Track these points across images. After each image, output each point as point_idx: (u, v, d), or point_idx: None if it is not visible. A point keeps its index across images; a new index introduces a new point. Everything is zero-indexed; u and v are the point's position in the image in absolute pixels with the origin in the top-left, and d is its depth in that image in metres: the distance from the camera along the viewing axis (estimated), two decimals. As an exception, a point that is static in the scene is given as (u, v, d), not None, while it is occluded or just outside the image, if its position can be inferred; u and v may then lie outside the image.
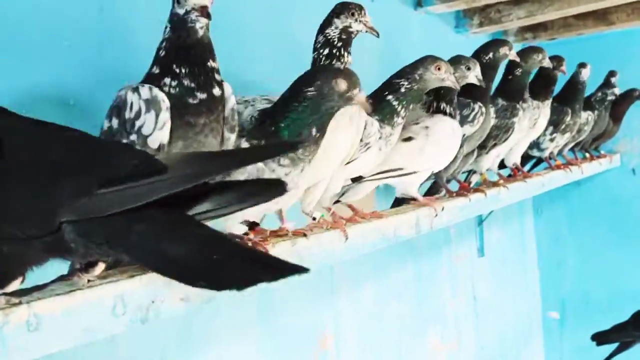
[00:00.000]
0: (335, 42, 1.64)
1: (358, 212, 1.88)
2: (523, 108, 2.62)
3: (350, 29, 1.66)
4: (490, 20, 3.60)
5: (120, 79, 1.37)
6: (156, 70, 1.26)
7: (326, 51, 1.65)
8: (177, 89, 1.22)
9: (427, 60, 1.86)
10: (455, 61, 2.11)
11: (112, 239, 0.87)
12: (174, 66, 1.23)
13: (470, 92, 2.19)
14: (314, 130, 1.43)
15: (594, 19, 3.81)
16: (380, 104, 1.81)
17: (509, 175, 2.89)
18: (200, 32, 1.25)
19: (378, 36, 1.70)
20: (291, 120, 1.42)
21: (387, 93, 1.84)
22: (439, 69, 1.86)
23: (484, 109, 2.27)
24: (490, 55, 2.36)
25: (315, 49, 1.68)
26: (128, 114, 1.23)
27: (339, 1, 1.68)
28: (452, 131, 2.05)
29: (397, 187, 2.16)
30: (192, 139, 1.24)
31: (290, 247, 1.48)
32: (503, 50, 2.38)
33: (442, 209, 2.11)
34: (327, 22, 1.66)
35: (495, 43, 2.41)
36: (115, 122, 1.26)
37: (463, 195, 2.31)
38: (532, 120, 2.70)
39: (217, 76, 1.28)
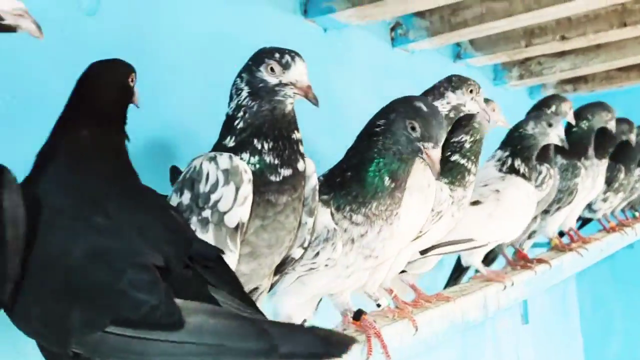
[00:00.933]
0: None
1: (421, 295, 1.64)
2: (585, 166, 2.38)
3: (464, 108, 1.49)
4: (530, 72, 3.41)
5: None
6: (231, 142, 1.12)
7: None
8: (258, 166, 1.09)
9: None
10: (537, 115, 1.90)
11: None
12: (255, 141, 1.10)
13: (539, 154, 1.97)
14: (386, 180, 1.23)
15: (638, 70, 3.61)
16: (447, 166, 1.59)
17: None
18: (289, 108, 1.12)
19: (489, 120, 1.55)
20: (362, 167, 1.23)
21: (450, 154, 1.63)
22: (493, 110, 1.66)
23: (552, 171, 2.05)
24: (553, 109, 2.14)
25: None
26: (203, 187, 1.07)
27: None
28: (527, 197, 1.81)
29: (462, 256, 1.92)
30: (271, 218, 1.10)
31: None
32: (565, 107, 2.17)
33: (512, 283, 1.87)
34: (437, 94, 1.48)
35: (558, 98, 2.21)
36: (186, 197, 1.09)
37: (527, 267, 2.06)
38: (594, 179, 2.46)
39: (301, 148, 1.13)
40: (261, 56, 1.11)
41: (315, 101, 1.11)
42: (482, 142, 1.68)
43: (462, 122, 1.66)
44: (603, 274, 4.12)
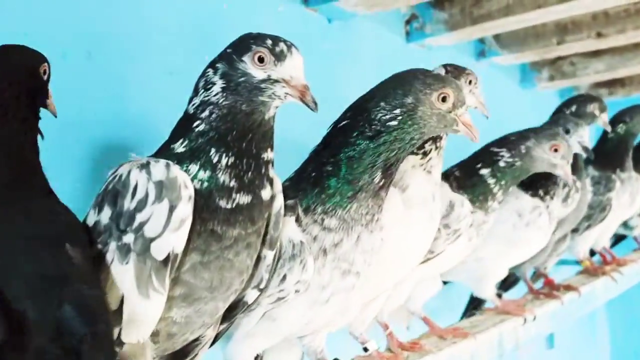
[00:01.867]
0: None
1: (434, 329, 1.41)
2: (621, 179, 2.09)
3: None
4: (562, 74, 3.11)
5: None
6: (181, 147, 0.88)
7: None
8: (207, 184, 0.85)
9: (542, 134, 1.40)
10: (552, 121, 1.62)
11: None
12: (213, 151, 0.86)
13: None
14: (378, 175, 0.98)
15: (681, 73, 3.28)
16: (470, 179, 1.36)
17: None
18: (271, 113, 0.90)
19: (488, 116, 1.34)
20: (342, 158, 0.99)
21: (480, 165, 1.38)
22: (555, 150, 1.39)
23: (579, 184, 1.77)
24: (573, 109, 1.86)
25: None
26: (127, 203, 0.83)
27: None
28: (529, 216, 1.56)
29: (471, 286, 1.65)
30: (215, 254, 0.86)
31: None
32: (591, 107, 1.87)
33: (534, 318, 1.59)
34: None
35: (582, 98, 1.92)
36: (105, 215, 0.84)
37: (552, 296, 1.78)
38: (632, 194, 2.16)
39: (270, 171, 0.91)
40: (247, 42, 0.88)
41: (313, 105, 0.89)
42: (524, 173, 1.41)
43: (512, 137, 1.42)
44: (637, 296, 3.79)
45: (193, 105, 0.89)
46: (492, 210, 1.37)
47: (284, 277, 0.97)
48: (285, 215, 0.97)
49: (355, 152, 0.98)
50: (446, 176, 1.38)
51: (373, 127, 0.99)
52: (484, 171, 1.37)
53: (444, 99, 1.00)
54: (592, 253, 2.36)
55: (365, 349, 1.21)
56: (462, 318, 1.79)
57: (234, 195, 0.85)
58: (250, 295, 0.98)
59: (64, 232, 0.81)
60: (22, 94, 0.86)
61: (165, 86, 1.50)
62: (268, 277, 0.97)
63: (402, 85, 1.00)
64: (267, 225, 0.94)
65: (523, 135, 1.41)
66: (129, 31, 1.44)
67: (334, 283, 1.00)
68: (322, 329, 1.11)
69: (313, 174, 1.01)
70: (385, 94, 1.01)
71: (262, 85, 0.86)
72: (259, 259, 0.95)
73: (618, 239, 2.90)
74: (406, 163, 1.17)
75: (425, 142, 1.20)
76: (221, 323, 1.00)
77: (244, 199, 0.86)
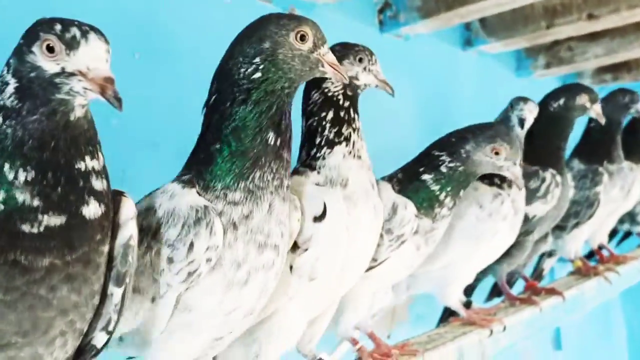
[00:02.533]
0: (342, 101, 1.13)
1: (381, 346, 1.27)
2: (609, 172, 1.93)
3: (358, 82, 1.16)
4: (559, 60, 2.93)
5: None
6: None
7: (330, 114, 1.12)
8: (3, 207, 0.71)
9: (481, 136, 1.26)
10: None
11: None
12: (7, 166, 0.72)
13: (537, 155, 1.54)
14: (271, 136, 0.91)
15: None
16: (412, 183, 1.24)
17: (587, 256, 2.19)
18: (79, 113, 0.75)
19: (393, 94, 1.19)
20: (224, 130, 0.91)
21: (422, 169, 1.26)
22: (497, 153, 1.26)
23: (558, 178, 1.61)
24: (561, 102, 1.70)
25: (309, 113, 1.14)
26: None
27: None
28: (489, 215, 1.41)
29: (436, 295, 1.51)
30: (20, 290, 0.71)
31: None
32: (580, 100, 1.71)
33: (504, 328, 1.45)
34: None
35: (568, 89, 1.75)
36: None
37: (531, 302, 1.63)
38: (624, 188, 1.99)
39: (95, 184, 0.76)
40: (35, 31, 0.73)
41: (117, 103, 0.72)
42: (469, 179, 1.28)
43: (452, 139, 1.29)
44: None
45: None
46: (441, 217, 1.25)
47: (191, 244, 0.86)
48: (184, 188, 0.90)
49: (236, 121, 0.91)
50: (389, 179, 1.27)
51: (242, 87, 0.91)
52: (427, 176, 1.25)
53: (302, 38, 0.92)
54: (591, 254, 2.20)
55: None
56: (437, 327, 1.65)
57: (40, 216, 0.71)
58: (99, 338, 0.85)
59: None
60: None
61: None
62: (117, 319, 0.84)
63: (256, 32, 0.92)
64: (113, 258, 0.80)
65: (462, 137, 1.27)
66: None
67: (250, 259, 0.90)
68: (244, 322, 0.97)
69: (202, 155, 0.92)
70: (241, 48, 0.92)
71: (56, 80, 0.72)
72: (104, 296, 0.81)
73: (625, 236, 2.72)
74: (335, 155, 1.10)
75: (341, 126, 1.11)
76: None
77: (54, 220, 0.72)
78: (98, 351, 0.86)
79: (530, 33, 2.50)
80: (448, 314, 1.65)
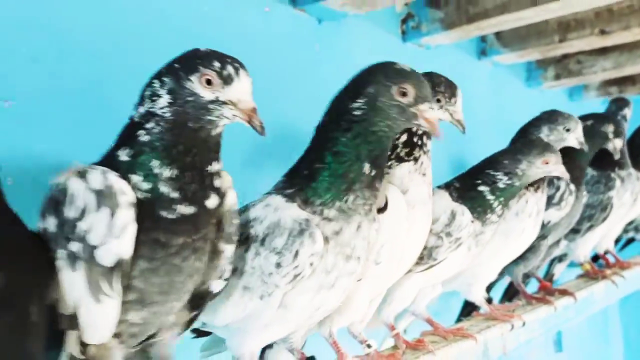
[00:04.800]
0: (415, 129, 1.26)
1: (439, 329, 1.43)
2: (621, 177, 2.04)
3: (427, 115, 1.25)
4: (568, 72, 3.04)
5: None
6: (125, 156, 0.89)
7: (404, 137, 1.27)
8: (150, 195, 0.87)
9: (532, 153, 1.44)
10: (552, 120, 1.60)
11: None
12: (157, 164, 0.87)
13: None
14: (366, 167, 1.02)
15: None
16: (469, 192, 1.40)
17: (593, 260, 2.30)
18: (218, 131, 0.93)
19: (464, 132, 1.35)
20: (328, 153, 1.03)
21: (480, 182, 1.42)
22: (546, 163, 1.44)
23: (572, 187, 1.72)
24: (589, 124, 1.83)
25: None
26: (68, 212, 0.84)
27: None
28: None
29: (462, 291, 1.62)
30: (161, 260, 0.89)
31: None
32: (605, 128, 1.85)
33: (524, 323, 1.55)
34: None
35: (596, 118, 1.89)
36: (51, 223, 0.86)
37: (546, 301, 1.74)
38: (634, 193, 2.10)
39: (216, 182, 0.93)
40: (194, 63, 0.89)
41: (260, 129, 0.91)
42: (521, 189, 1.46)
43: (505, 161, 1.45)
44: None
45: (138, 114, 0.90)
46: (490, 222, 1.40)
47: (297, 252, 0.99)
48: (287, 202, 1.03)
49: (339, 147, 1.02)
50: (447, 187, 1.41)
51: (347, 119, 1.02)
52: (483, 188, 1.40)
53: (403, 93, 1.02)
54: (596, 258, 2.30)
55: (369, 346, 1.22)
56: (457, 321, 1.76)
57: (175, 206, 0.87)
58: (215, 285, 1.02)
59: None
60: None
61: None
62: (230, 269, 1.01)
63: (367, 76, 1.04)
64: (222, 223, 0.97)
65: (515, 159, 1.44)
66: (106, 32, 1.43)
67: (338, 267, 1.04)
68: (329, 318, 1.17)
69: (305, 172, 1.04)
70: (353, 85, 1.05)
71: (210, 106, 0.88)
72: (218, 253, 0.98)
73: (627, 242, 2.84)
74: (402, 169, 1.24)
75: (412, 149, 1.25)
76: (193, 310, 1.03)
77: (186, 210, 0.88)
78: (215, 295, 1.03)
79: (544, 46, 2.61)
80: (469, 310, 1.75)
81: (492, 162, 1.46)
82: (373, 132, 1.02)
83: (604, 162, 2.02)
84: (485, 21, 2.20)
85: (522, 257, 1.62)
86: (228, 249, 0.99)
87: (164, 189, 0.86)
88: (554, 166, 1.45)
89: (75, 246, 0.83)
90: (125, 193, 0.83)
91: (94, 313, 0.86)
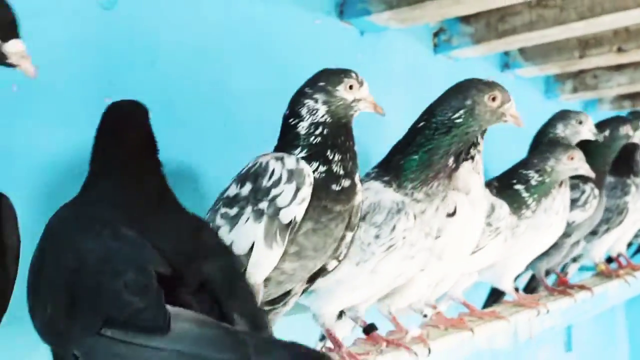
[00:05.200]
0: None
1: (475, 311, 1.64)
2: (636, 184, 2.22)
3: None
4: (585, 86, 3.22)
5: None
6: (302, 154, 1.18)
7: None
8: (325, 175, 1.16)
9: (557, 150, 1.65)
10: (564, 116, 1.79)
11: None
12: (329, 152, 1.17)
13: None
14: (451, 160, 1.28)
15: (703, 87, 3.36)
16: (507, 191, 1.63)
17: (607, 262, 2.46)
18: (352, 121, 1.23)
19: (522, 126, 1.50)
20: (421, 147, 1.28)
21: (515, 181, 1.65)
22: (572, 159, 1.65)
23: (596, 192, 1.90)
24: (607, 133, 1.99)
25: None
26: (265, 182, 1.13)
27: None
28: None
29: (493, 280, 1.80)
30: (323, 223, 1.16)
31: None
32: (624, 129, 2.01)
33: (547, 311, 1.73)
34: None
35: (615, 120, 2.05)
36: (246, 189, 1.14)
37: (567, 293, 1.91)
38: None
39: (357, 161, 1.22)
40: (338, 77, 1.21)
41: (383, 112, 1.24)
42: (552, 185, 1.67)
43: (534, 160, 1.68)
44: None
45: (303, 127, 1.19)
46: (525, 217, 1.61)
47: (394, 227, 1.24)
48: (385, 187, 1.29)
49: (433, 144, 1.27)
50: (488, 185, 1.62)
51: (445, 124, 1.28)
52: (519, 187, 1.63)
53: (493, 99, 1.29)
54: (609, 260, 2.47)
55: (425, 315, 1.46)
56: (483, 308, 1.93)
57: (341, 180, 1.15)
58: (331, 264, 1.25)
59: (199, 222, 1.08)
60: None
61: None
62: (345, 253, 1.26)
63: (462, 92, 1.30)
64: (350, 214, 1.20)
65: (544, 157, 1.66)
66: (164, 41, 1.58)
67: (419, 242, 1.29)
68: (388, 298, 1.40)
69: (401, 162, 1.29)
70: (448, 99, 1.30)
71: (353, 104, 1.20)
72: (342, 237, 1.21)
73: (639, 248, 3.02)
74: (464, 169, 1.46)
75: (469, 148, 1.46)
76: (307, 282, 1.27)
77: (346, 183, 1.16)
78: (328, 271, 1.27)
79: (564, 61, 2.79)
80: (494, 298, 1.93)
81: (524, 163, 1.67)
82: (467, 133, 1.28)
83: (621, 169, 2.19)
84: (512, 37, 2.38)
85: (545, 253, 1.80)
86: (348, 235, 1.23)
87: (336, 168, 1.15)
88: (579, 162, 1.65)
89: (263, 205, 1.10)
90: (309, 176, 1.12)
91: (263, 256, 1.11)
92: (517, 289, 1.80)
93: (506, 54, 2.91)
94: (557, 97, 3.31)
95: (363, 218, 1.25)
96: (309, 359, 0.76)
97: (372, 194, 1.27)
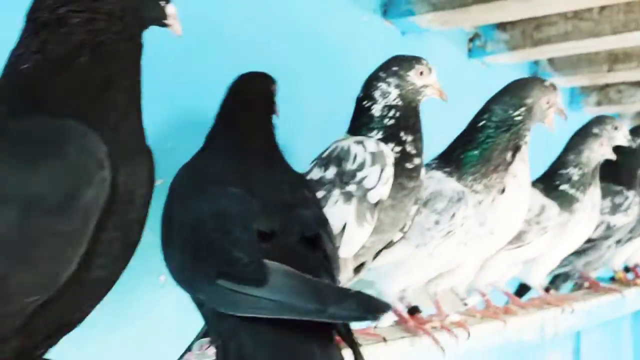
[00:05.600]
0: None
1: (515, 300, 1.74)
2: None
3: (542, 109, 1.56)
4: (609, 100, 3.29)
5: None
6: (378, 135, 1.27)
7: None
8: (399, 155, 1.24)
9: (589, 141, 1.79)
10: (600, 122, 1.88)
11: (221, 335, 0.88)
12: (402, 133, 1.26)
13: (619, 178, 1.91)
14: (509, 155, 1.38)
15: None
16: (554, 192, 1.74)
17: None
18: (420, 104, 1.32)
19: (566, 118, 1.61)
20: (481, 144, 1.39)
21: (559, 182, 1.76)
22: (602, 145, 1.78)
23: (637, 199, 1.99)
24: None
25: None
26: (350, 165, 1.21)
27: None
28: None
29: (523, 275, 1.87)
30: (398, 199, 1.24)
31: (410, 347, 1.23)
32: None
33: (572, 310, 1.80)
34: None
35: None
36: (331, 172, 1.22)
37: (613, 290, 2.01)
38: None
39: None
40: (410, 63, 1.32)
41: (447, 98, 1.35)
42: (590, 174, 1.78)
43: (570, 156, 1.80)
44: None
45: (377, 109, 1.29)
46: (576, 210, 1.71)
47: (454, 214, 1.34)
48: (447, 176, 1.40)
49: (493, 139, 1.40)
50: (534, 186, 1.69)
51: (506, 122, 1.40)
52: (565, 187, 1.75)
53: (548, 101, 1.44)
54: (627, 269, 2.54)
55: (465, 304, 1.53)
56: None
57: (414, 159, 1.25)
58: (397, 236, 1.33)
59: (302, 181, 1.14)
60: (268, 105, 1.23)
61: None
62: (410, 225, 1.34)
63: (523, 91, 1.43)
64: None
65: (578, 150, 1.79)
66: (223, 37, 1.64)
67: (473, 230, 1.39)
68: (436, 279, 1.48)
69: (462, 156, 1.41)
70: (509, 97, 1.43)
71: (422, 89, 1.30)
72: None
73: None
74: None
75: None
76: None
77: (417, 161, 1.26)
78: (394, 243, 1.34)
79: (593, 73, 2.86)
80: (521, 294, 2.01)
81: (560, 163, 1.78)
82: (525, 129, 1.39)
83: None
84: (546, 46, 2.45)
85: (582, 252, 1.89)
86: (413, 209, 1.32)
87: (409, 148, 1.25)
88: (607, 148, 1.79)
89: (351, 187, 1.18)
90: (390, 156, 1.21)
91: (355, 234, 1.19)
92: (547, 289, 1.87)
93: (536, 63, 2.97)
94: (580, 109, 3.37)
95: (424, 204, 1.34)
96: (371, 307, 0.82)
97: (434, 182, 1.36)
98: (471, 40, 2.61)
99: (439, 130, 1.61)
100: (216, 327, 0.90)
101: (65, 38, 0.73)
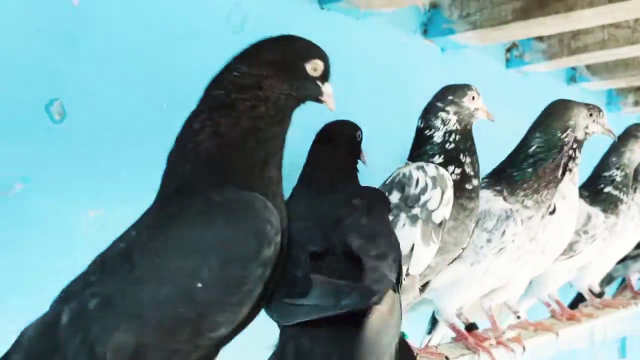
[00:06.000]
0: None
1: (565, 310, 1.80)
2: None
3: (587, 131, 1.65)
4: (646, 100, 3.31)
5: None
6: (439, 159, 1.35)
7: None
8: (460, 176, 1.32)
9: (629, 144, 1.85)
10: (638, 130, 1.96)
11: (285, 344, 0.98)
12: (461, 156, 1.35)
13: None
14: (559, 172, 1.46)
15: None
16: (599, 196, 1.80)
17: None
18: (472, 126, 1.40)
19: (615, 138, 1.72)
20: (534, 163, 1.45)
21: (603, 186, 1.81)
22: None
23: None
24: None
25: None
26: (413, 190, 1.27)
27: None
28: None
29: (575, 280, 1.94)
30: (460, 220, 1.31)
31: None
32: None
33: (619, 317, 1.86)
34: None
35: None
36: (395, 197, 1.29)
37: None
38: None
39: None
40: (463, 90, 1.41)
41: (494, 119, 1.44)
42: (632, 175, 1.85)
43: (613, 159, 1.86)
44: None
45: (438, 136, 1.37)
46: (622, 212, 1.77)
47: (504, 232, 1.41)
48: (495, 195, 1.46)
49: (542, 161, 1.46)
50: (579, 194, 1.75)
51: (550, 144, 1.48)
52: (609, 189, 1.80)
53: (590, 115, 1.55)
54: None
55: (518, 317, 1.61)
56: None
57: (472, 180, 1.32)
58: (457, 252, 1.39)
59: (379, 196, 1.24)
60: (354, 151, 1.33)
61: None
62: (468, 241, 1.40)
63: (565, 114, 1.50)
64: None
65: (618, 153, 1.85)
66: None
67: (525, 245, 1.45)
68: (491, 295, 1.56)
69: (514, 174, 1.47)
70: (553, 120, 1.50)
71: (474, 112, 1.39)
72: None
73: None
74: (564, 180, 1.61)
75: (568, 161, 1.63)
76: None
77: (475, 182, 1.33)
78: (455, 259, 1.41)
79: (629, 77, 2.89)
80: (577, 301, 2.07)
81: (603, 166, 1.85)
82: (569, 148, 1.47)
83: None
84: (584, 54, 2.50)
85: (634, 259, 1.95)
86: (471, 226, 1.37)
87: (468, 170, 1.32)
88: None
89: (416, 210, 1.25)
90: (449, 179, 1.28)
91: (422, 253, 1.26)
92: (601, 294, 1.94)
93: (573, 68, 3.02)
94: (619, 110, 3.40)
95: (476, 224, 1.41)
96: (370, 294, 0.92)
97: (483, 202, 1.43)
98: (508, 50, 2.67)
99: (485, 141, 1.71)
100: (280, 336, 1.00)
101: (235, 123, 0.88)
